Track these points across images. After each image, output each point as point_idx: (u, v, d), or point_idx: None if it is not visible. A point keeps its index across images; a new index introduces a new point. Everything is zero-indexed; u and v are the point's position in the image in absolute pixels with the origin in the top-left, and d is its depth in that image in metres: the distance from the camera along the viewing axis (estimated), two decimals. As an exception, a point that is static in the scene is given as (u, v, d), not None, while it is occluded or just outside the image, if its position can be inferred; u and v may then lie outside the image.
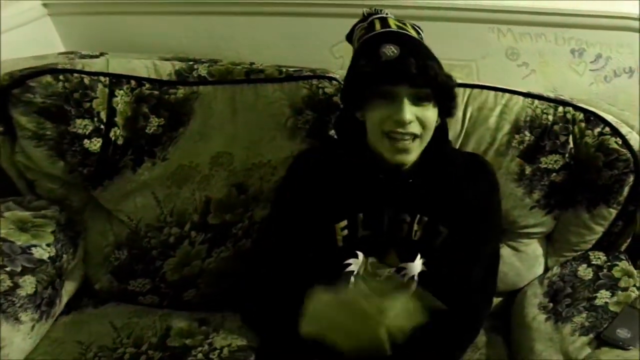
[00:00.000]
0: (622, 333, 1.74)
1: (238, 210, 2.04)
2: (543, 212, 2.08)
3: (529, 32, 2.33)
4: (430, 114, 1.55)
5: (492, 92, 2.09)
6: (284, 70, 2.10)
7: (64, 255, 1.95)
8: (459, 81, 2.05)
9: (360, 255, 1.67)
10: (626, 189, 2.00)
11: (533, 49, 2.37)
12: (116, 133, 1.97)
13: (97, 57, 2.13)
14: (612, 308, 1.86)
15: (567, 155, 2.02)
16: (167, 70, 2.06)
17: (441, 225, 1.69)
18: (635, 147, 1.99)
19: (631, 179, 1.99)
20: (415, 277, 1.67)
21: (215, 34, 2.45)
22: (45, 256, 1.86)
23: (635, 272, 2.01)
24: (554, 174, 2.03)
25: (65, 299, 2.01)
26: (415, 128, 1.52)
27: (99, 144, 1.95)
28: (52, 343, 1.89)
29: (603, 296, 1.91)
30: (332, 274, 1.66)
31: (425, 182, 1.68)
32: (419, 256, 1.67)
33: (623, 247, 2.15)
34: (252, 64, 2.17)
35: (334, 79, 2.08)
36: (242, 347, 1.89)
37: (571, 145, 2.03)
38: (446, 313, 1.58)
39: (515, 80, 2.38)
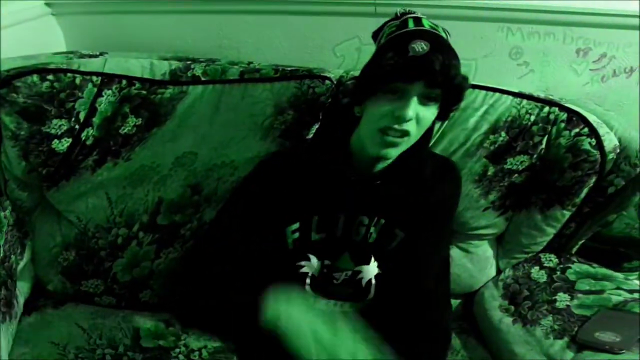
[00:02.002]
0: (606, 336, 1.74)
1: (188, 211, 2.05)
2: (496, 213, 2.11)
3: (538, 30, 2.33)
4: (430, 115, 1.54)
5: (482, 92, 2.09)
6: (281, 69, 2.11)
7: (12, 256, 1.95)
8: None
9: (313, 258, 1.70)
10: (585, 191, 2.02)
11: (538, 48, 2.37)
12: (88, 133, 1.97)
13: (96, 56, 2.13)
14: (576, 311, 1.88)
15: (535, 156, 2.04)
16: (162, 69, 2.07)
17: (397, 228, 1.72)
18: (608, 148, 1.98)
19: (592, 180, 2.00)
20: (373, 281, 1.73)
21: (220, 33, 2.46)
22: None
23: (610, 273, 2.06)
24: (516, 175, 2.05)
25: (21, 299, 2.01)
26: (411, 126, 1.51)
27: (67, 144, 1.94)
28: (26, 344, 1.91)
29: (562, 299, 1.94)
30: (286, 275, 1.68)
31: (393, 185, 1.69)
32: (373, 259, 1.72)
33: (574, 250, 2.18)
34: (250, 63, 2.18)
35: (328, 78, 2.08)
36: (219, 349, 1.92)
37: (543, 146, 2.03)
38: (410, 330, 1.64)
39: (512, 79, 2.40)
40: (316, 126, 2.07)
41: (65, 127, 1.93)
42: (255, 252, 1.71)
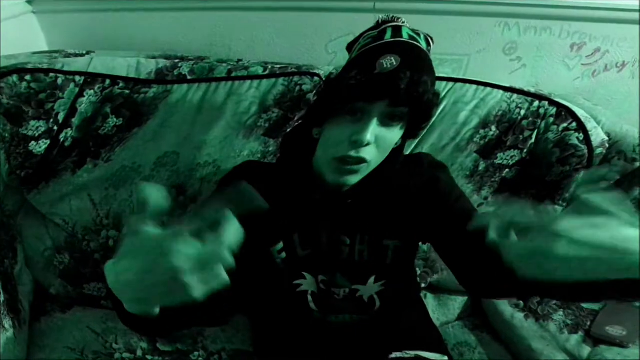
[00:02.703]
0: (615, 330, 1.76)
1: (176, 212, 1.94)
2: (490, 209, 2.08)
3: (535, 25, 2.33)
4: (394, 136, 1.44)
5: (473, 86, 2.08)
6: (270, 67, 2.09)
7: (5, 260, 1.92)
8: (445, 75, 2.09)
9: (308, 276, 1.62)
10: (574, 186, 2.00)
11: (532, 43, 2.36)
12: (67, 134, 1.96)
13: (82, 55, 2.10)
14: (585, 306, 1.89)
15: (525, 150, 2.03)
16: (148, 68, 2.05)
17: (386, 239, 1.61)
18: (596, 143, 1.98)
19: (581, 175, 2.00)
20: (375, 297, 1.63)
21: (212, 31, 2.43)
22: None
23: None
24: (507, 170, 2.04)
25: (26, 304, 1.99)
26: (369, 153, 1.41)
27: (45, 146, 1.93)
28: (42, 350, 1.90)
29: None
30: (283, 296, 1.63)
31: (365, 202, 1.60)
32: (372, 279, 1.62)
33: None
34: (239, 60, 2.17)
35: (317, 75, 2.07)
36: (238, 352, 1.91)
37: (533, 140, 2.03)
38: None
39: (503, 74, 2.39)
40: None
41: (43, 129, 1.92)
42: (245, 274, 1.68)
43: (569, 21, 2.31)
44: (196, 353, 1.91)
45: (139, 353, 1.90)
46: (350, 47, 1.55)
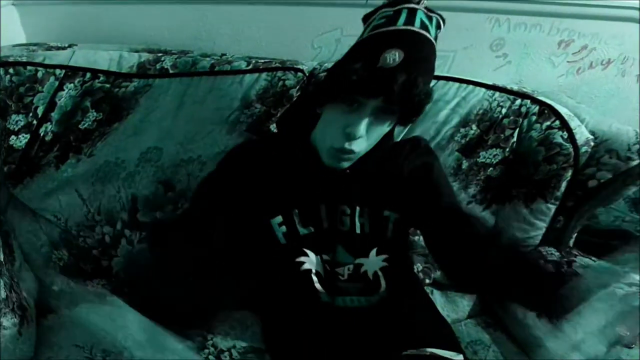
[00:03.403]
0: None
1: (167, 208, 2.01)
2: (480, 207, 2.10)
3: (525, 22, 2.35)
4: (384, 129, 1.55)
5: (456, 84, 2.10)
6: (253, 61, 2.10)
7: (1, 255, 1.91)
8: None
9: (311, 253, 1.65)
10: (564, 184, 2.02)
11: (521, 40, 2.39)
12: (47, 129, 1.96)
13: (64, 48, 2.11)
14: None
15: (507, 149, 2.05)
16: (130, 62, 2.06)
17: (386, 210, 1.68)
18: (580, 141, 2.00)
19: (569, 173, 2.01)
20: (379, 273, 1.66)
21: (197, 24, 2.44)
22: (1, 257, 1.84)
23: (609, 267, 2.02)
24: (491, 168, 2.06)
25: (31, 301, 1.98)
26: (358, 145, 1.53)
27: (25, 141, 1.94)
28: (51, 348, 1.86)
29: None
30: (289, 274, 1.65)
31: (362, 173, 1.66)
32: (374, 251, 1.66)
33: (571, 242, 2.17)
34: (222, 55, 2.17)
35: (300, 70, 2.08)
36: (248, 349, 1.89)
37: (514, 139, 2.05)
38: None
39: (487, 71, 2.42)
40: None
41: (22, 123, 1.93)
42: (245, 249, 1.71)
43: (561, 18, 2.34)
44: (206, 350, 1.88)
45: None
46: (366, 19, 1.61)
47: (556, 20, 2.34)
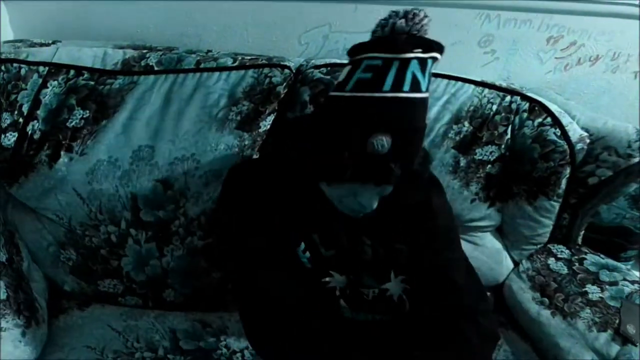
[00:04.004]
0: (630, 329, 1.80)
1: (169, 207, 2.01)
2: (485, 205, 2.13)
3: (516, 17, 2.37)
4: (391, 188, 1.49)
5: (444, 81, 2.12)
6: (239, 58, 2.10)
7: (13, 257, 1.92)
8: None
9: (336, 274, 1.64)
10: (563, 182, 2.05)
11: (509, 36, 2.41)
12: (34, 127, 1.95)
13: (47, 45, 2.09)
14: (610, 303, 1.92)
15: (503, 146, 2.07)
16: (114, 59, 2.06)
17: (397, 243, 1.66)
18: (574, 138, 2.02)
19: (568, 171, 2.04)
20: (404, 296, 1.66)
21: (184, 20, 2.42)
22: (3, 258, 1.84)
23: (616, 264, 2.09)
24: (489, 165, 2.08)
25: (42, 302, 1.98)
26: (375, 204, 1.49)
27: (13, 139, 1.93)
28: (61, 349, 1.90)
29: (593, 291, 1.96)
30: (315, 293, 1.65)
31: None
32: (392, 275, 1.66)
33: (579, 240, 2.21)
34: (208, 51, 2.18)
35: (287, 67, 2.08)
36: None
37: (508, 136, 2.07)
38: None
39: (475, 67, 2.43)
40: (272, 117, 2.05)
41: (8, 121, 1.93)
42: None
43: (551, 13, 2.36)
44: (219, 351, 1.93)
45: (161, 352, 1.91)
46: (352, 54, 1.48)
47: (546, 16, 2.36)
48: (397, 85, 1.35)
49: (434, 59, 1.42)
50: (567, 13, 2.35)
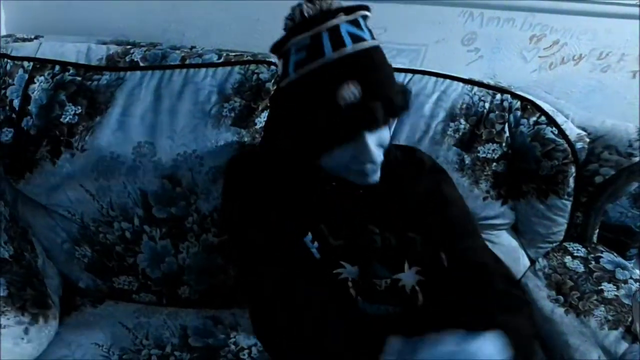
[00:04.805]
0: (638, 327, 1.83)
1: (180, 203, 2.03)
2: (498, 203, 2.16)
3: (499, 16, 2.42)
4: (387, 133, 1.50)
5: (433, 78, 2.16)
6: (224, 54, 2.12)
7: (25, 254, 1.93)
8: (402, 66, 2.16)
9: (347, 265, 1.59)
10: (571, 180, 2.09)
11: (492, 35, 2.45)
12: (29, 123, 1.97)
13: (30, 40, 2.12)
14: (625, 301, 1.94)
15: (504, 144, 2.11)
16: (99, 54, 2.07)
17: (410, 232, 1.63)
18: (572, 137, 2.07)
19: (573, 169, 2.08)
20: (417, 288, 1.61)
21: (166, 16, 2.44)
22: (6, 255, 1.84)
23: (625, 263, 2.13)
24: (494, 163, 2.11)
25: (55, 299, 1.99)
26: (379, 156, 1.48)
27: (10, 135, 1.96)
28: (68, 346, 1.91)
29: (609, 289, 1.99)
30: (326, 283, 1.60)
31: (374, 192, 1.61)
32: (406, 265, 1.61)
33: (594, 238, 2.24)
34: (192, 47, 2.20)
35: (273, 64, 2.10)
36: None
37: (507, 134, 2.11)
38: None
39: (460, 65, 2.47)
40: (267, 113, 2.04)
41: (1, 117, 1.96)
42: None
43: (534, 12, 2.41)
44: (226, 348, 1.94)
45: (168, 349, 1.93)
46: (276, 50, 1.54)
47: (529, 14, 2.41)
48: (338, 45, 1.37)
49: (364, 17, 1.44)
50: (549, 12, 2.39)
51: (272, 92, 2.00)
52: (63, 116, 1.98)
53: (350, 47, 1.38)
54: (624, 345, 1.80)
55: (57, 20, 2.41)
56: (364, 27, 1.43)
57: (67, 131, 1.98)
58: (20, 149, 1.97)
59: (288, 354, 1.51)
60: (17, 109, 1.96)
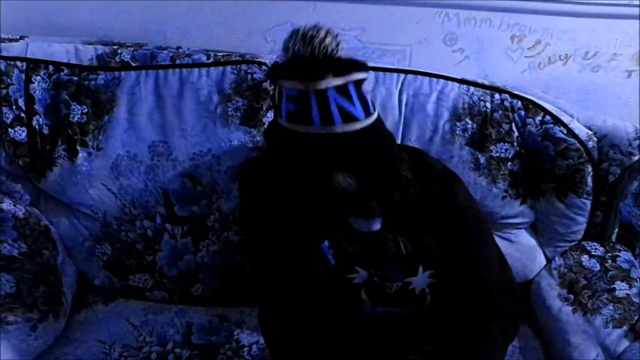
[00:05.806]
0: None
1: (202, 202, 2.09)
2: (517, 202, 2.19)
3: (475, 16, 2.45)
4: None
5: (427, 78, 2.19)
6: (212, 54, 2.16)
7: (44, 251, 1.96)
8: (392, 66, 2.20)
9: (361, 270, 1.63)
10: (589, 180, 2.13)
11: (472, 35, 2.49)
12: (39, 122, 2.01)
13: (16, 40, 2.12)
14: (635, 299, 1.99)
15: (515, 143, 2.15)
16: (88, 55, 2.09)
17: (426, 236, 1.66)
18: (581, 136, 2.12)
19: (589, 168, 2.13)
20: (427, 290, 1.65)
21: (146, 17, 2.45)
22: (15, 252, 1.87)
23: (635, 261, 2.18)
24: (509, 163, 2.15)
25: (69, 296, 2.03)
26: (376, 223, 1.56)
27: (24, 133, 2.00)
28: (72, 343, 1.95)
29: (621, 288, 2.03)
30: (339, 287, 1.64)
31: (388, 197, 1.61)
32: (420, 270, 1.64)
33: (614, 237, 2.30)
34: (178, 47, 2.24)
35: (264, 64, 2.14)
36: None
37: (516, 133, 2.15)
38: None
39: (448, 66, 2.50)
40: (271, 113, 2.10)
41: (11, 116, 1.98)
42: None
43: (509, 13, 2.44)
44: (227, 345, 1.98)
45: (169, 346, 1.98)
46: (270, 77, 1.62)
47: (505, 15, 2.44)
48: (327, 120, 1.38)
49: (357, 82, 1.41)
50: (524, 12, 2.43)
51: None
52: (71, 115, 2.02)
53: (339, 125, 1.38)
54: (624, 344, 1.85)
55: (38, 21, 2.42)
56: (354, 97, 1.40)
57: (79, 130, 2.02)
58: (36, 148, 2.01)
59: (291, 353, 1.56)
60: (24, 108, 2.00)
